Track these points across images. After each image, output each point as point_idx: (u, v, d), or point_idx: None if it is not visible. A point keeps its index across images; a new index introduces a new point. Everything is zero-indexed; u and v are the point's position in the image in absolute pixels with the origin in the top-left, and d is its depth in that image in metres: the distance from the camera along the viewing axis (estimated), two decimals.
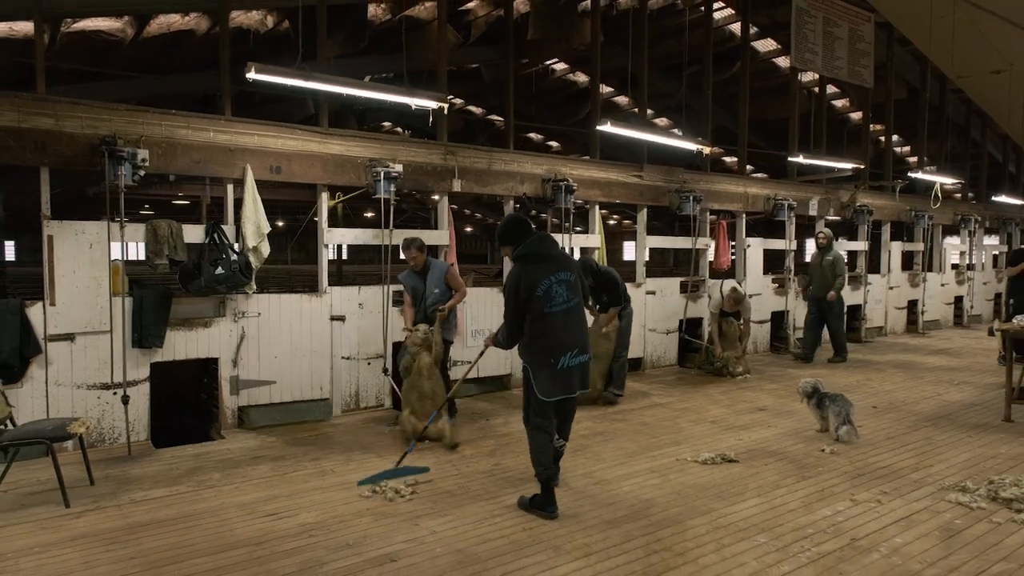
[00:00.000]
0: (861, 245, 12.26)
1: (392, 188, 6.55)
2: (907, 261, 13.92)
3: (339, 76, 5.81)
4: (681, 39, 12.83)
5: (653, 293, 9.30)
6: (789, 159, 10.36)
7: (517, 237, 4.33)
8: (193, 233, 5.87)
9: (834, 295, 9.77)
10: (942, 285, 14.43)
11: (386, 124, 23.36)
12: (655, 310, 9.30)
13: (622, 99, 19.03)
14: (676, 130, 19.67)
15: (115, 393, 5.48)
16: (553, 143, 23.89)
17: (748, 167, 21.87)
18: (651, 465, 5.17)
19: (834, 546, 3.74)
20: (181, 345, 5.88)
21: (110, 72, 8.76)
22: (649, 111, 20.32)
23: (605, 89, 18.87)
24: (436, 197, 7.39)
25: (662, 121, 20.03)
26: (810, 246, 17.63)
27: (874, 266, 13.21)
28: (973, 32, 12.53)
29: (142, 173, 5.46)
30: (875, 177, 13.24)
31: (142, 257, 5.82)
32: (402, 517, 4.14)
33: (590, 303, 7.53)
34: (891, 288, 13.09)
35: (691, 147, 8.42)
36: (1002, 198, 14.49)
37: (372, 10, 9.64)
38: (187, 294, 5.88)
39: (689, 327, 9.66)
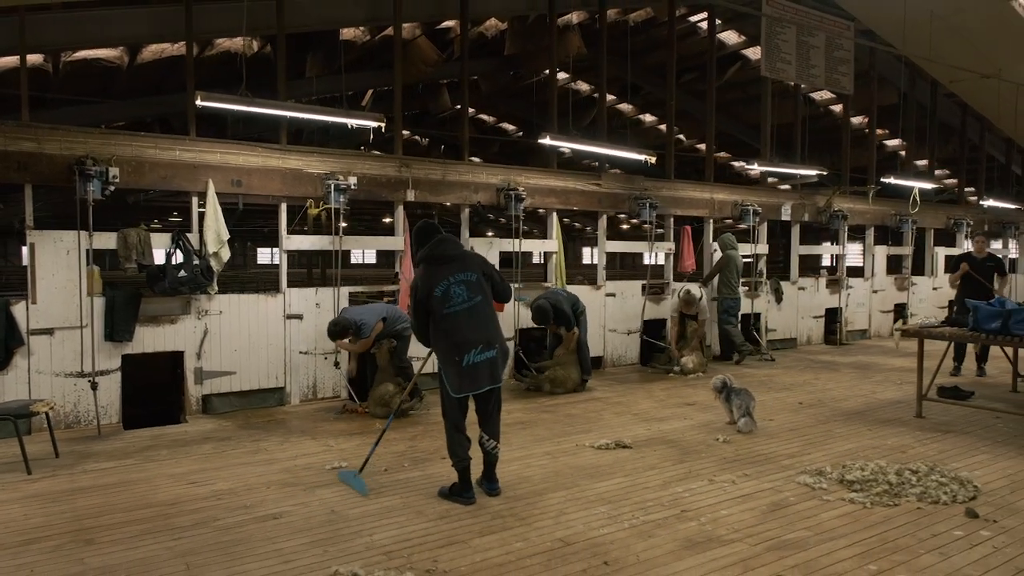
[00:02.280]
0: (836, 249, 12.48)
1: (342, 199, 7.23)
2: (897, 265, 14.04)
3: (285, 98, 6.51)
4: (675, 48, 13.26)
5: (613, 295, 9.78)
6: (745, 165, 10.69)
7: (421, 241, 4.62)
8: (161, 240, 6.64)
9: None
10: (934, 289, 14.47)
11: (405, 133, 24.28)
12: (615, 312, 9.77)
13: (625, 106, 19.44)
14: (683, 137, 20.08)
15: (89, 381, 6.27)
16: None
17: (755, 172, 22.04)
18: (550, 449, 5.70)
19: (661, 516, 4.23)
20: (150, 339, 6.65)
21: (116, 95, 9.70)
22: (651, 117, 20.77)
23: (608, 97, 19.32)
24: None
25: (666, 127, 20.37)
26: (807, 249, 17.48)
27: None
28: (957, 39, 12.65)
29: (112, 188, 6.26)
30: (862, 182, 13.41)
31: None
32: (302, 487, 4.78)
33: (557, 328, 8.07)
34: (875, 291, 13.25)
35: (637, 157, 8.88)
36: (989, 202, 14.46)
37: (352, 32, 10.37)
38: (155, 295, 6.64)
39: (654, 328, 10.09)
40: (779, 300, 11.62)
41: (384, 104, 17.19)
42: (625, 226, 32.50)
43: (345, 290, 7.65)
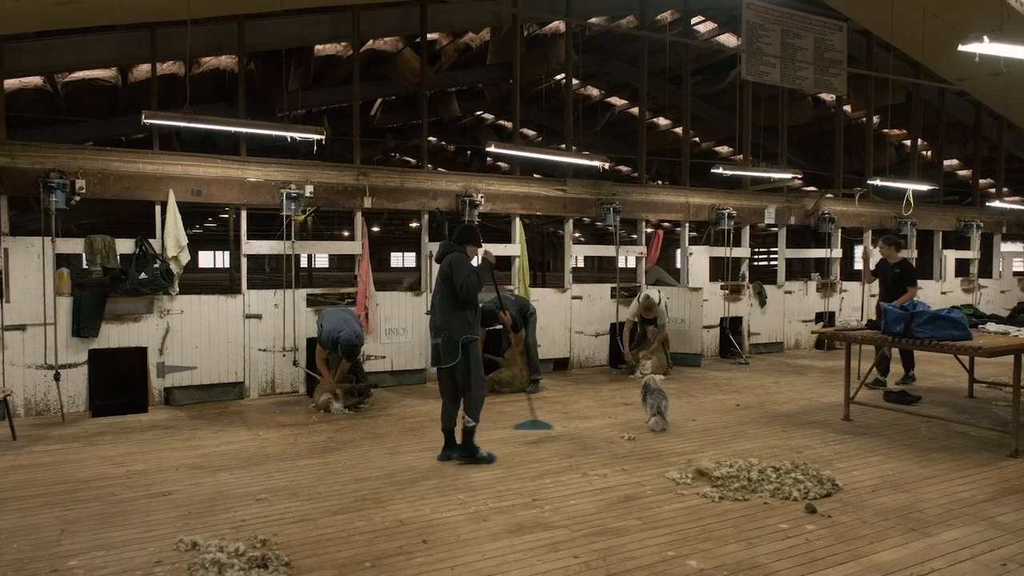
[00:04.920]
0: (823, 252, 12.35)
1: (293, 207, 7.73)
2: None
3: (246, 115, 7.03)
4: (677, 52, 13.39)
5: (580, 298, 10.00)
6: (711, 170, 10.72)
7: None
8: (124, 245, 7.28)
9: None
10: (943, 293, 14.06)
11: (432, 139, 25.17)
12: (581, 314, 9.99)
13: (636, 110, 19.49)
14: (698, 139, 19.97)
15: (58, 373, 6.93)
16: (586, 153, 24.69)
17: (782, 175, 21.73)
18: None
19: (509, 503, 4.51)
20: (115, 336, 7.29)
21: (122, 112, 10.52)
22: (665, 120, 20.77)
23: (619, 102, 19.49)
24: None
25: (682, 130, 20.34)
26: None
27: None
28: (956, 38, 12.34)
29: (77, 199, 6.93)
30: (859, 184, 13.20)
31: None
32: (207, 471, 5.24)
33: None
34: (873, 296, 12.97)
35: (589, 163, 9.09)
36: (996, 203, 13.97)
37: (335, 48, 10.92)
38: (119, 295, 7.25)
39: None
40: (762, 304, 11.59)
41: (394, 113, 17.83)
42: (649, 229, 32.35)
43: (302, 292, 8.16)
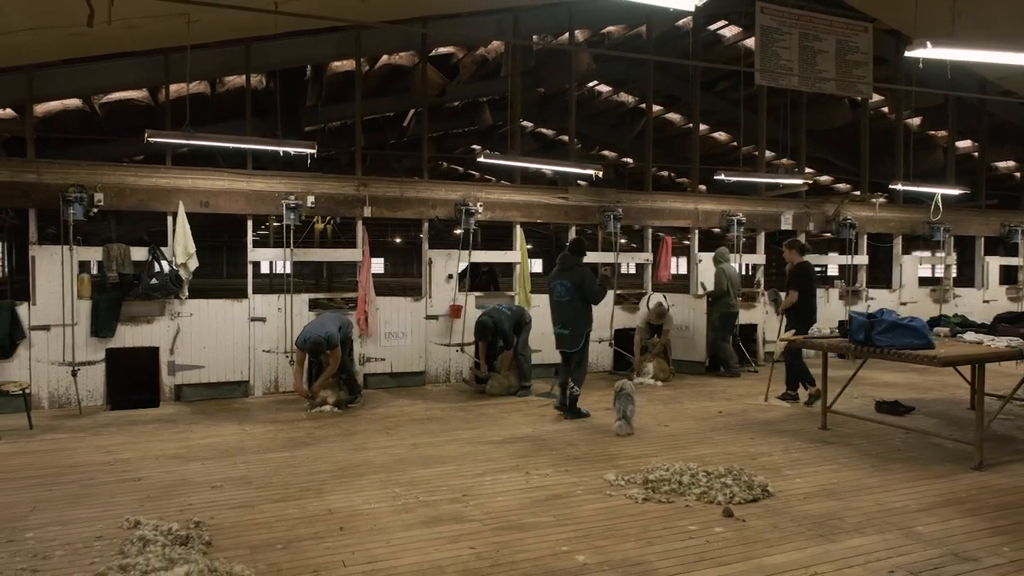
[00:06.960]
0: (843, 259, 12.04)
1: (293, 216, 8.20)
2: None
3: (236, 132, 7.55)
4: (705, 57, 13.36)
5: None
6: (714, 177, 10.63)
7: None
8: (138, 253, 7.90)
9: None
10: (985, 302, 13.42)
11: (476, 147, 25.70)
12: None
13: (674, 116, 19.38)
14: (736, 144, 19.69)
15: (71, 369, 7.58)
16: (626, 160, 24.69)
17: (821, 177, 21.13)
18: (420, 441, 6.29)
19: (438, 498, 4.74)
20: (130, 336, 7.91)
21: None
22: (704, 127, 20.56)
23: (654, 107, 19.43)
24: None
25: (721, 135, 20.09)
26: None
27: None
28: (989, 35, 11.84)
29: (95, 211, 7.59)
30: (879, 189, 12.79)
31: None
32: (182, 460, 5.69)
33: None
34: (903, 303, 12.55)
35: (582, 172, 9.22)
36: None
37: (351, 63, 11.42)
38: (132, 299, 7.87)
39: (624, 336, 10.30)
40: (778, 311, 11.37)
41: (427, 124, 18.33)
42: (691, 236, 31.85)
43: (304, 296, 8.63)
